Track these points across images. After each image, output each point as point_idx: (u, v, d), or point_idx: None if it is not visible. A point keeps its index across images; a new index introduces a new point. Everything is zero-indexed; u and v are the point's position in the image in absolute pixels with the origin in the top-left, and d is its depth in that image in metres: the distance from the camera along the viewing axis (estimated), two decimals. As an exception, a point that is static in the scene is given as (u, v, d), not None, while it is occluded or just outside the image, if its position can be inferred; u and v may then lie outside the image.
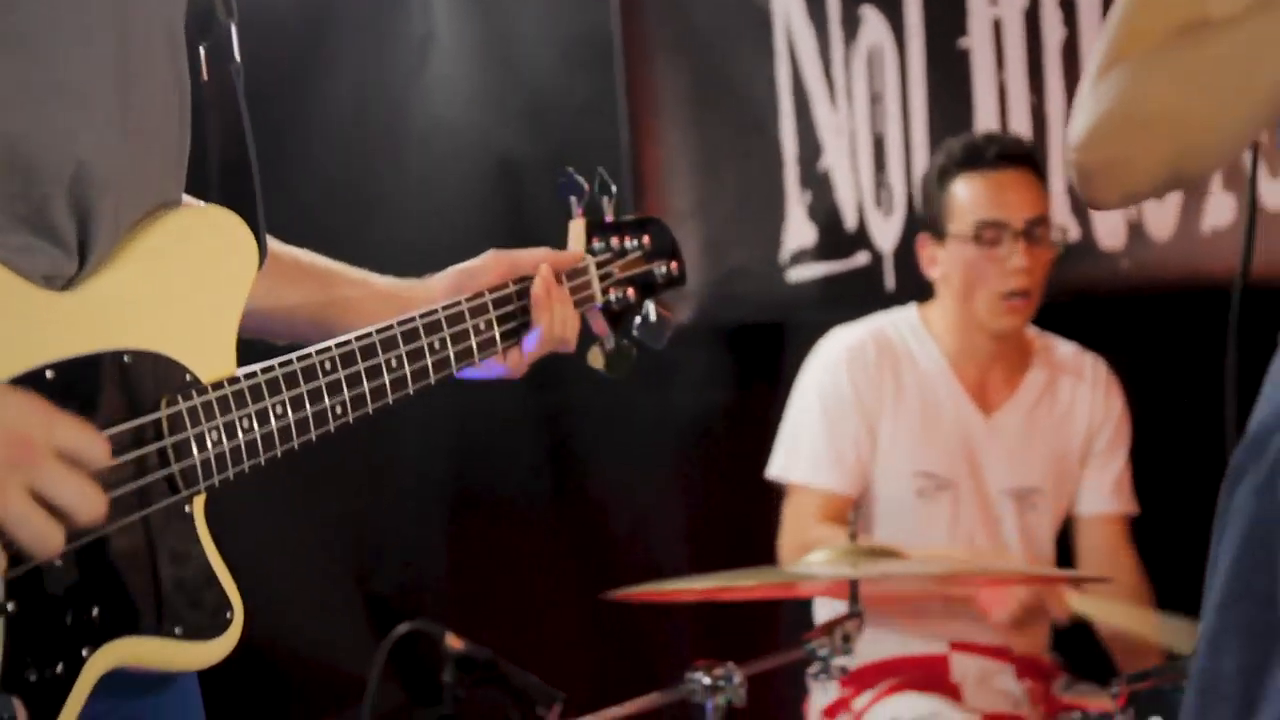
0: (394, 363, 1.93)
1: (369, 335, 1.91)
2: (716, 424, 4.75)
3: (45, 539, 1.54)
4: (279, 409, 1.79)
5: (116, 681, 1.67)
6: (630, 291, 2.28)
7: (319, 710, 4.45)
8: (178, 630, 1.70)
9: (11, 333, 1.62)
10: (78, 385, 1.64)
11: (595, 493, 4.75)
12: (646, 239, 2.32)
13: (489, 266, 2.14)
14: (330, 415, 1.85)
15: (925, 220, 3.99)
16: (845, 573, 3.00)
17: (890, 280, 4.52)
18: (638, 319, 2.31)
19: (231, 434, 1.75)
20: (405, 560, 4.63)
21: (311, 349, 1.86)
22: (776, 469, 3.97)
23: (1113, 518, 3.97)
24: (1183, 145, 1.77)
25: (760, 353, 4.74)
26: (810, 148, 4.61)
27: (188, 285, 1.76)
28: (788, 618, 4.50)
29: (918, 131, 4.50)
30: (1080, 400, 3.99)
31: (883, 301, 4.34)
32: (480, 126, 4.89)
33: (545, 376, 4.72)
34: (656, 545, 4.65)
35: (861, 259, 4.56)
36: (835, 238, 4.55)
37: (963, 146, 3.89)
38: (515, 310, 2.12)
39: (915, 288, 4.20)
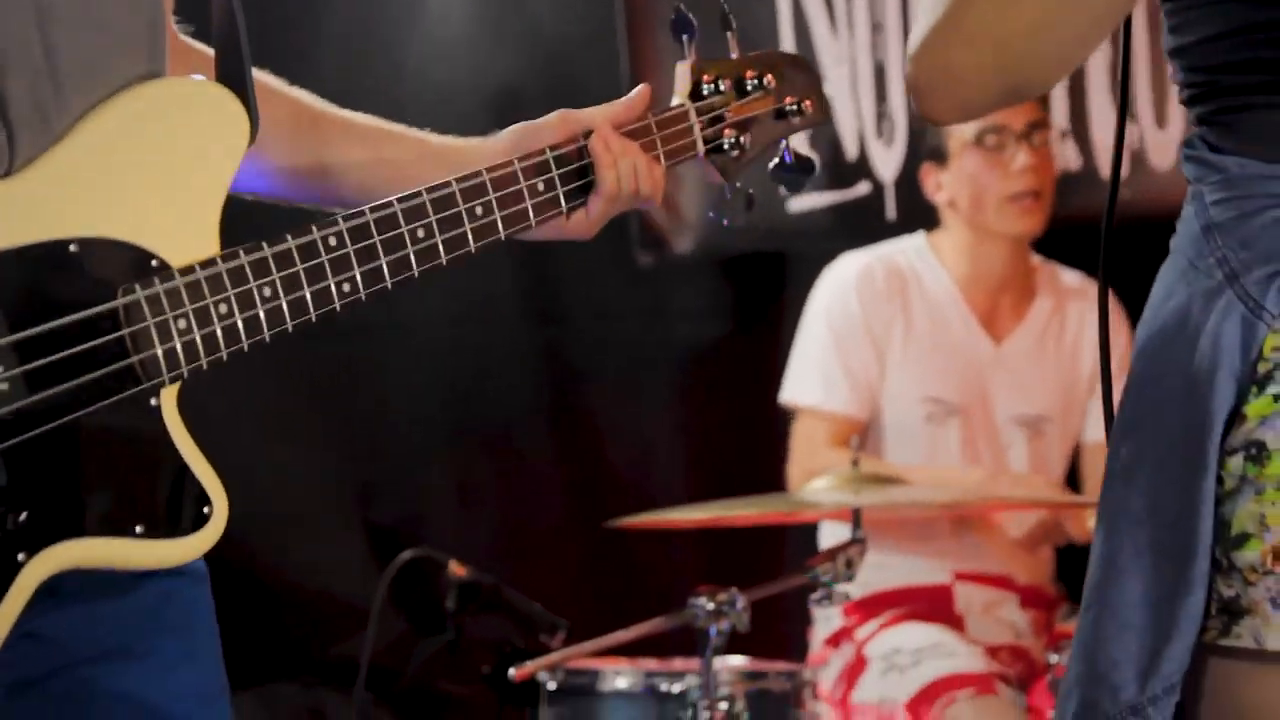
0: (420, 233, 1.78)
1: (388, 206, 1.78)
2: (717, 355, 4.74)
3: None
4: (267, 291, 1.67)
5: (96, 584, 1.61)
6: (747, 136, 2.10)
7: (322, 639, 4.45)
8: (138, 529, 1.60)
9: None
10: (12, 281, 1.55)
11: (596, 423, 4.74)
12: (771, 78, 2.11)
13: (554, 125, 1.97)
14: (336, 294, 1.72)
15: (927, 150, 3.99)
16: (847, 500, 3.00)
17: (892, 210, 4.51)
18: (772, 162, 2.14)
19: (205, 320, 1.63)
20: (406, 491, 4.62)
21: (312, 226, 1.73)
22: (787, 394, 3.97)
23: (1117, 444, 3.96)
24: (1008, 57, 1.75)
25: (761, 283, 4.73)
26: (810, 76, 4.57)
27: (157, 163, 1.64)
28: (792, 546, 4.51)
29: (919, 60, 4.47)
30: (1087, 328, 3.99)
31: (884, 231, 4.33)
32: (478, 56, 4.86)
33: (545, 308, 4.76)
34: (657, 476, 4.65)
35: (863, 188, 4.55)
36: (837, 167, 4.54)
37: None
38: (581, 168, 1.95)
39: (917, 217, 4.19)
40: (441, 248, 1.81)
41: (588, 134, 1.96)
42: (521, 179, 1.89)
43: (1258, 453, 1.65)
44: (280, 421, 4.25)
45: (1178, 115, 4.32)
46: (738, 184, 2.13)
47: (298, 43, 4.83)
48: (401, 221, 1.78)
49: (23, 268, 1.56)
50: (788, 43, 4.62)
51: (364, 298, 1.75)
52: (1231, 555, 1.64)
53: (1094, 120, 4.38)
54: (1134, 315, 4.03)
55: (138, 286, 1.62)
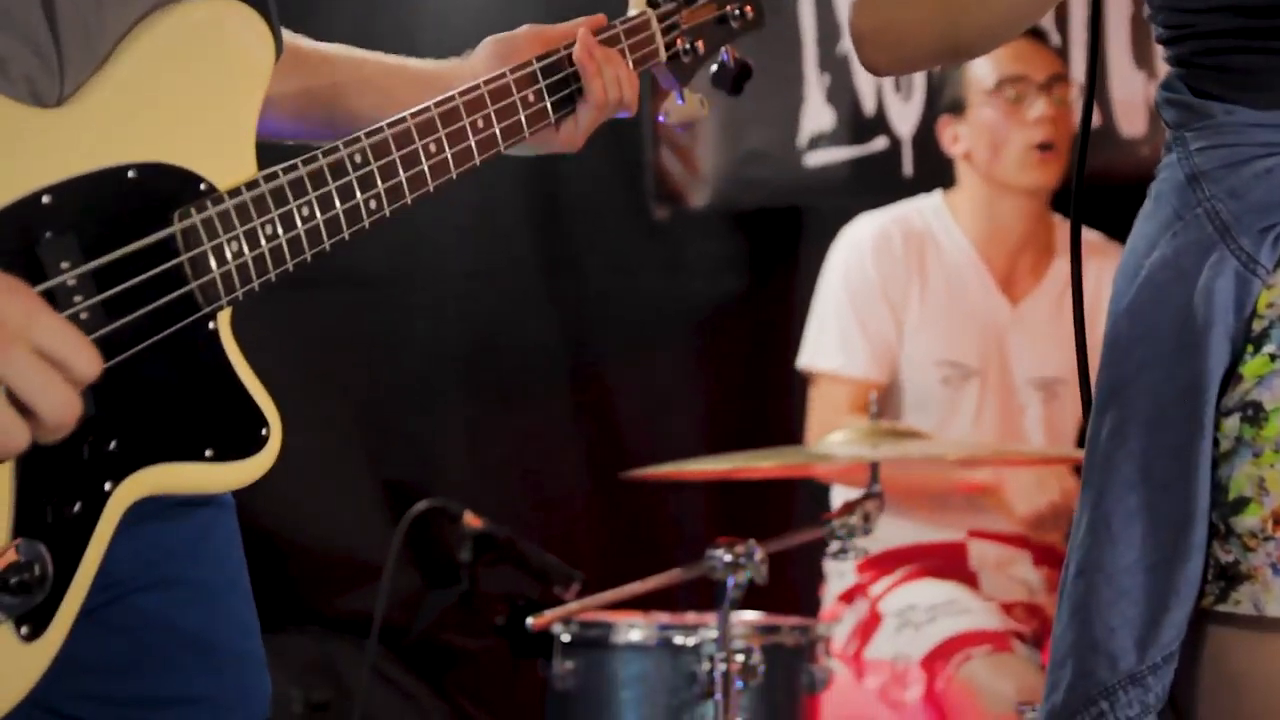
0: (433, 148, 1.81)
1: (403, 121, 1.79)
2: (732, 309, 4.73)
3: (7, 437, 1.43)
4: (305, 211, 1.68)
5: (146, 513, 1.62)
6: (700, 42, 2.12)
7: (334, 591, 4.46)
8: (208, 453, 1.63)
9: (2, 156, 1.52)
10: (79, 208, 1.55)
11: (610, 377, 4.73)
12: None
13: (526, 36, 2.01)
14: (364, 211, 1.74)
15: (945, 102, 3.96)
16: (865, 454, 2.99)
17: (909, 165, 4.48)
18: (713, 68, 2.16)
19: (254, 242, 1.65)
20: (420, 444, 4.62)
21: (339, 143, 1.74)
22: (805, 359, 3.94)
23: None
24: (952, 16, 1.74)
25: (777, 237, 4.71)
26: (829, 29, 4.55)
27: (196, 86, 1.65)
28: (802, 505, 4.51)
29: (937, 14, 4.45)
30: (1105, 288, 3.94)
31: (901, 187, 4.31)
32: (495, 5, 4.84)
33: (560, 261, 4.74)
34: (670, 430, 4.64)
35: (880, 144, 4.52)
36: (854, 122, 4.51)
37: None
38: (566, 77, 1.98)
39: (934, 173, 4.16)
40: (451, 161, 1.84)
41: (568, 45, 2.00)
42: (514, 90, 1.92)
43: (1254, 414, 1.62)
44: (294, 374, 4.24)
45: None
46: (697, 94, 2.15)
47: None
48: (416, 136, 1.80)
49: (87, 194, 1.56)
50: (804, -2, 4.60)
51: (388, 214, 1.77)
52: (1230, 520, 1.62)
53: (1113, 77, 4.35)
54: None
55: (193, 210, 1.62)
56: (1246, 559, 1.61)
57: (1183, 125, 1.72)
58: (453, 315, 4.71)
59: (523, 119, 1.93)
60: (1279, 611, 1.60)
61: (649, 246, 4.71)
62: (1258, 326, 1.64)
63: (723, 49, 2.16)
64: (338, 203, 1.72)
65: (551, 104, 1.97)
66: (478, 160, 1.86)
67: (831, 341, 3.87)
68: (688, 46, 2.12)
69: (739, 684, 2.87)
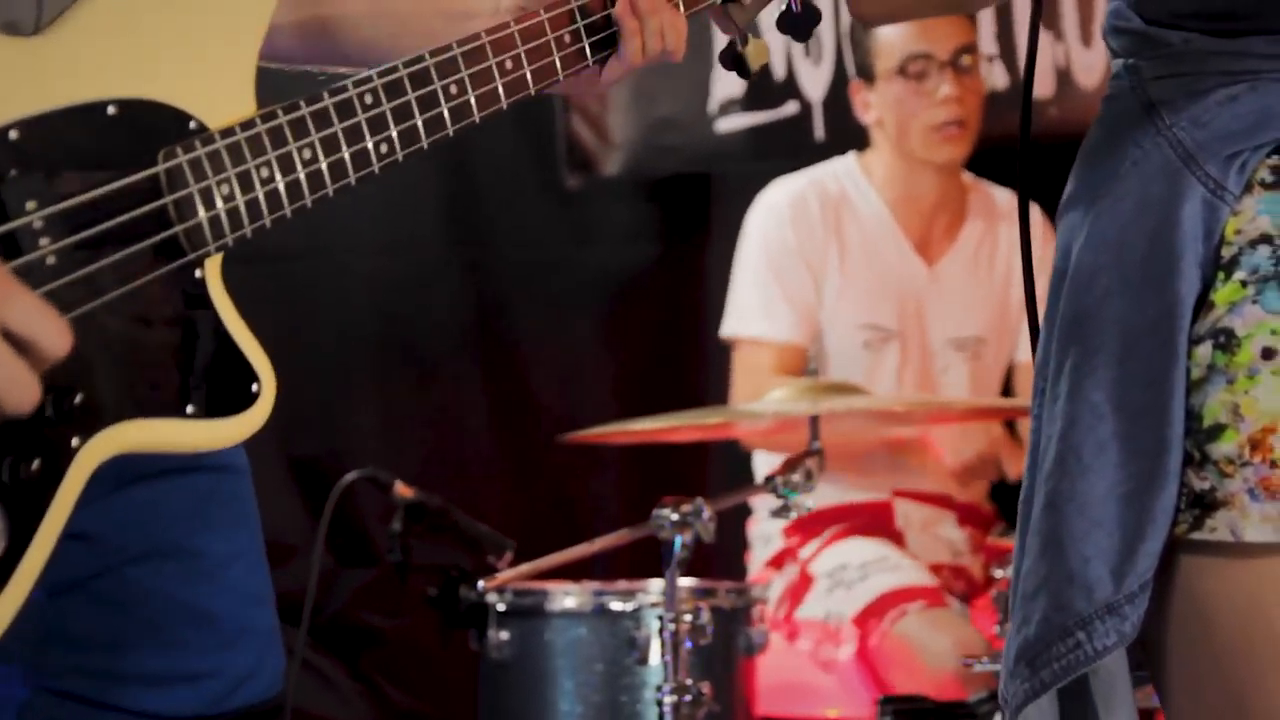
0: (454, 89, 1.68)
1: (421, 60, 1.67)
2: (645, 276, 4.70)
3: None
4: (307, 153, 1.56)
5: (137, 477, 1.55)
6: None
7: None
8: (189, 408, 1.51)
9: None
10: (51, 146, 1.44)
11: (523, 348, 4.69)
12: None
13: None
14: (374, 156, 1.61)
15: (856, 66, 3.95)
16: (806, 408, 2.96)
17: (820, 130, 4.47)
18: (778, 12, 1.98)
19: (248, 186, 1.53)
20: (332, 421, 4.54)
21: (348, 81, 1.62)
22: (728, 327, 3.91)
23: (1053, 363, 3.95)
24: None
25: (689, 204, 4.68)
26: (736, -4, 4.53)
27: (190, 15, 1.55)
28: (717, 474, 4.48)
29: (845, -22, 4.44)
30: (1019, 248, 3.95)
31: (812, 151, 4.29)
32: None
33: (467, 231, 4.68)
34: (585, 400, 4.60)
35: (790, 108, 4.50)
36: (764, 87, 4.49)
37: None
38: (606, 19, 1.82)
39: (845, 137, 4.15)
40: (475, 104, 1.70)
41: None
42: (549, 31, 1.79)
43: (1226, 340, 1.61)
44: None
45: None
46: (758, 37, 1.98)
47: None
48: (434, 76, 1.67)
49: (61, 131, 1.46)
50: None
51: (400, 159, 1.65)
52: (1205, 447, 1.60)
53: (1021, 40, 4.36)
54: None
55: (179, 150, 1.52)
56: (1223, 485, 1.60)
57: (1135, 54, 1.70)
58: (362, 289, 4.64)
59: (557, 61, 1.79)
60: (1256, 537, 1.59)
61: (561, 215, 4.66)
62: (1227, 253, 1.63)
63: None
64: (344, 146, 1.59)
65: (590, 45, 1.82)
66: (504, 104, 1.72)
67: (754, 307, 3.85)
68: None
69: (688, 644, 2.83)
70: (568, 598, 3.11)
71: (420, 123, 1.66)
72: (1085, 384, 1.65)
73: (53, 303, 1.42)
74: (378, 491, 3.25)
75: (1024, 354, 3.96)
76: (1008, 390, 3.96)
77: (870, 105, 3.88)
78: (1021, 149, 1.95)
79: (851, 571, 3.61)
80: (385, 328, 4.64)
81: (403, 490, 3.18)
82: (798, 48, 4.48)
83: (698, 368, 4.44)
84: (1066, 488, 1.64)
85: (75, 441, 1.45)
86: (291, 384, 4.87)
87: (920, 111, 3.79)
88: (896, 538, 3.76)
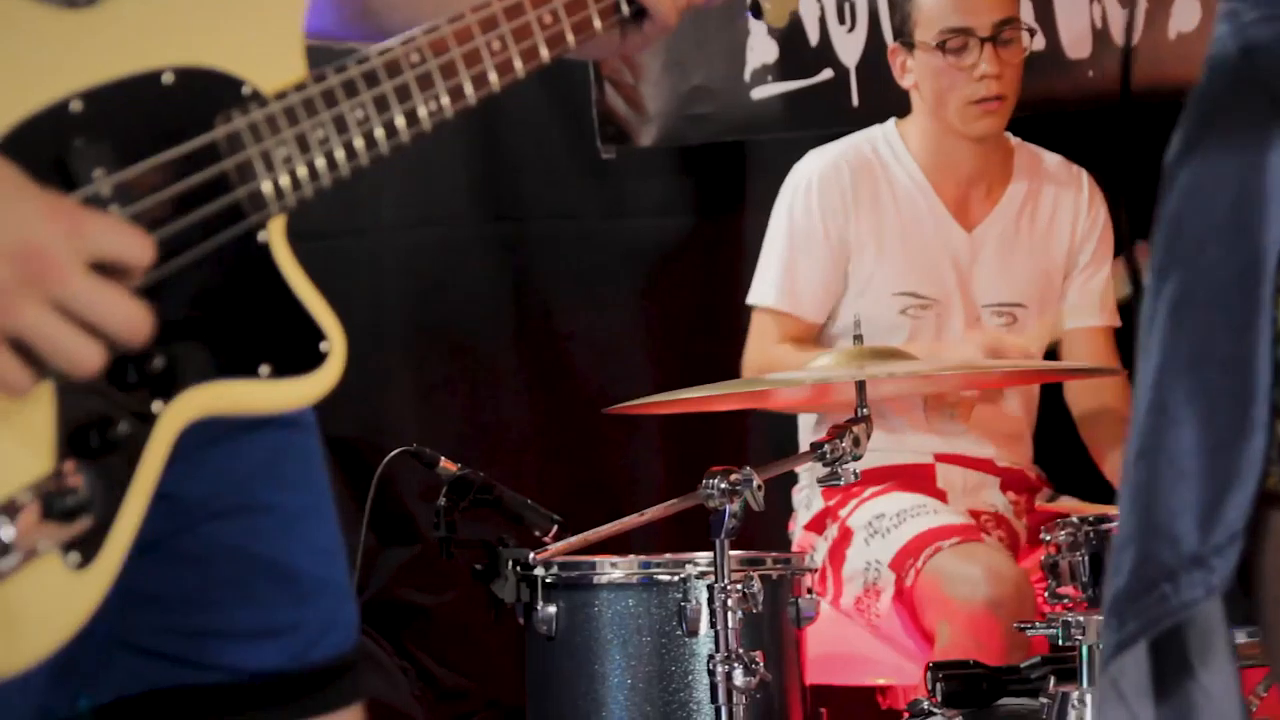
0: (495, 45, 1.68)
1: (462, 17, 1.67)
2: (681, 248, 4.67)
3: (80, 361, 1.38)
4: (360, 113, 1.58)
5: (213, 437, 1.55)
6: None
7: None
8: (264, 370, 1.53)
9: (27, 60, 1.43)
10: (112, 114, 1.46)
11: (560, 323, 4.66)
12: None
13: None
14: (425, 112, 1.62)
15: (895, 29, 3.89)
16: (852, 374, 2.93)
17: (855, 96, 4.43)
18: None
19: (304, 147, 1.55)
20: (368, 400, 4.53)
21: (392, 41, 1.63)
22: (750, 296, 3.89)
23: (1098, 331, 3.91)
24: None
25: (724, 174, 4.65)
26: (767, -38, 4.49)
27: None
28: (755, 444, 4.46)
29: (879, -59, 4.41)
30: (1063, 212, 3.91)
31: (848, 118, 4.26)
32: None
33: (506, 205, 4.66)
34: (623, 372, 4.58)
35: (825, 75, 4.46)
36: (798, 54, 4.45)
37: None
38: None
39: (881, 103, 4.12)
40: (518, 60, 1.71)
41: None
42: None
43: None
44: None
45: (1142, -9, 4.26)
46: None
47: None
48: (477, 32, 1.68)
49: (120, 100, 1.47)
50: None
51: (449, 115, 1.65)
52: None
53: (1057, 1, 4.32)
54: (1111, 197, 3.99)
55: (235, 114, 1.53)
56: None
57: None
58: (397, 265, 4.63)
59: (594, 13, 1.78)
60: None
61: (595, 187, 4.63)
62: None
63: None
64: (394, 104, 1.61)
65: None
66: (546, 58, 1.73)
67: (771, 278, 3.83)
68: None
69: (739, 614, 2.80)
70: (614, 570, 3.09)
71: (466, 78, 1.66)
72: (1175, 334, 1.63)
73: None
74: (419, 469, 3.24)
75: (1070, 321, 3.92)
76: (1054, 358, 3.92)
77: (909, 70, 3.83)
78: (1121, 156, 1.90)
79: (888, 520, 3.59)
80: (421, 304, 4.62)
81: (447, 465, 3.17)
82: (831, 13, 4.44)
83: (735, 338, 4.41)
84: (1156, 439, 1.63)
85: (158, 405, 1.47)
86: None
87: (958, 86, 3.73)
88: (939, 496, 3.73)
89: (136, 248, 1.41)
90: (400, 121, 1.61)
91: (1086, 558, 3.10)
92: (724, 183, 4.65)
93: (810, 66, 4.46)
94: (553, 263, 4.65)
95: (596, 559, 3.11)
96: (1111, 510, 3.11)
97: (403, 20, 1.81)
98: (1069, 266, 3.91)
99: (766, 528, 4.00)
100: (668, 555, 3.15)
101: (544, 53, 1.73)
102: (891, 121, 3.92)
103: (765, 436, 4.36)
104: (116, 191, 1.46)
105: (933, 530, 3.51)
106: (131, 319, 1.40)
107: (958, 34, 3.72)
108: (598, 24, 1.79)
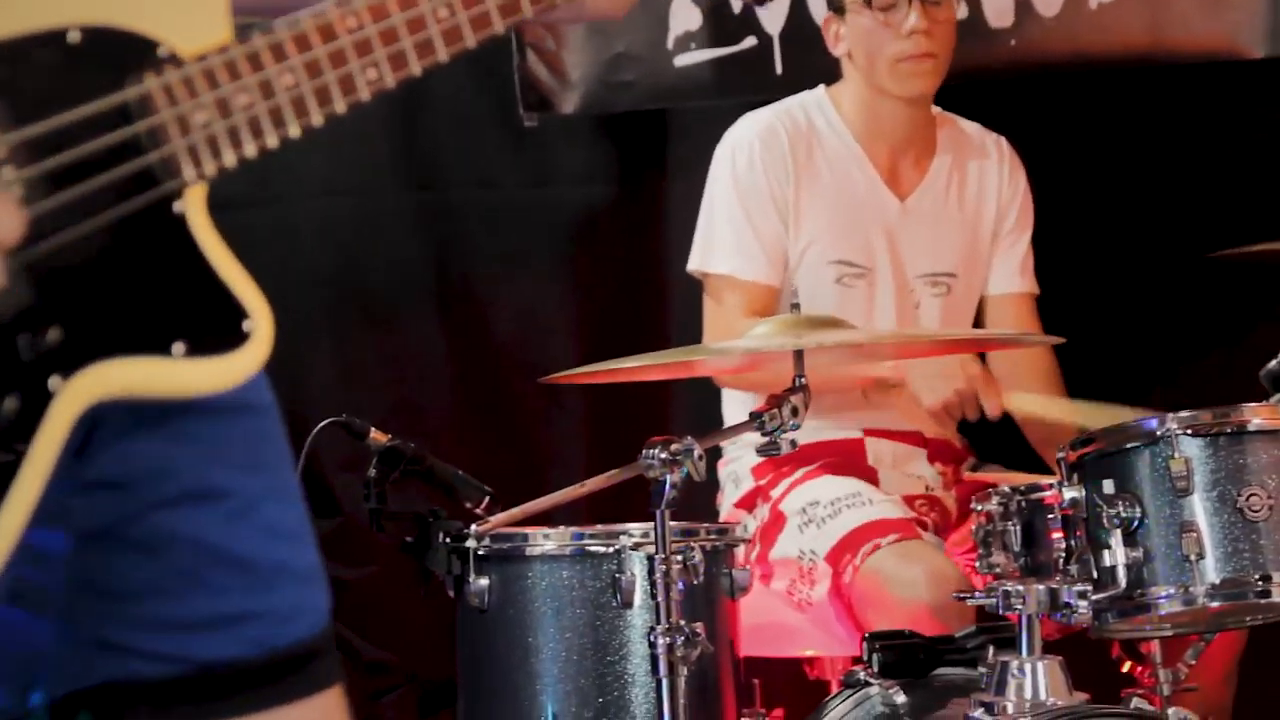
0: (443, 11, 1.59)
1: None
2: (604, 216, 4.63)
3: None
4: (288, 78, 1.50)
5: (153, 419, 1.48)
6: None
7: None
8: (178, 348, 1.45)
9: None
10: (11, 74, 1.39)
11: (482, 293, 4.61)
12: None
13: None
14: (360, 80, 1.53)
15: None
16: (790, 343, 2.90)
17: (779, 64, 4.40)
18: None
19: (225, 111, 1.47)
20: (287, 372, 4.44)
21: (329, 3, 1.55)
22: (696, 263, 3.83)
23: (1021, 297, 3.92)
24: None
25: (647, 142, 4.61)
26: (691, -72, 4.46)
27: None
28: (681, 416, 4.43)
29: (803, -95, 4.38)
30: (988, 181, 3.92)
31: (772, 86, 4.23)
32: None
33: (421, 173, 4.60)
34: (547, 341, 4.54)
35: (749, 42, 4.43)
36: (722, 21, 4.42)
37: None
38: None
39: (805, 71, 4.09)
40: (468, 26, 1.62)
41: None
42: None
43: None
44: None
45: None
46: None
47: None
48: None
49: (20, 60, 1.40)
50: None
51: (392, 84, 1.57)
52: None
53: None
54: (1030, 165, 3.99)
55: (149, 76, 1.45)
56: None
57: None
58: (315, 236, 4.55)
59: None
60: None
61: (516, 155, 4.58)
62: None
63: None
64: (327, 70, 1.52)
65: None
66: (499, 26, 1.64)
67: (725, 244, 3.77)
68: None
69: (680, 585, 2.77)
70: (548, 541, 3.05)
71: (409, 45, 1.57)
72: None
73: (27, 232, 1.37)
74: (341, 440, 3.18)
75: (995, 287, 3.92)
76: (978, 325, 3.91)
77: (841, 37, 3.81)
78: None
79: (823, 508, 3.57)
80: (339, 275, 4.55)
81: (377, 436, 3.11)
82: (753, -20, 4.41)
83: (659, 306, 4.39)
84: None
85: (55, 381, 1.39)
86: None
87: (888, 44, 3.71)
88: (869, 474, 3.71)
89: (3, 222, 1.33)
90: (335, 88, 1.53)
91: (1019, 527, 3.10)
92: (647, 150, 4.61)
93: (734, 34, 4.43)
94: (474, 231, 4.60)
95: (529, 530, 3.06)
96: (1041, 479, 3.10)
97: None
98: (995, 233, 3.91)
99: (690, 501, 3.97)
100: (601, 526, 3.11)
101: (498, 21, 1.64)
102: (821, 88, 3.89)
103: (689, 408, 4.32)
104: (12, 154, 1.38)
105: (870, 524, 3.49)
106: None
107: None
108: None
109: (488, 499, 3.15)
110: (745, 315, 3.68)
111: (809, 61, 4.03)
